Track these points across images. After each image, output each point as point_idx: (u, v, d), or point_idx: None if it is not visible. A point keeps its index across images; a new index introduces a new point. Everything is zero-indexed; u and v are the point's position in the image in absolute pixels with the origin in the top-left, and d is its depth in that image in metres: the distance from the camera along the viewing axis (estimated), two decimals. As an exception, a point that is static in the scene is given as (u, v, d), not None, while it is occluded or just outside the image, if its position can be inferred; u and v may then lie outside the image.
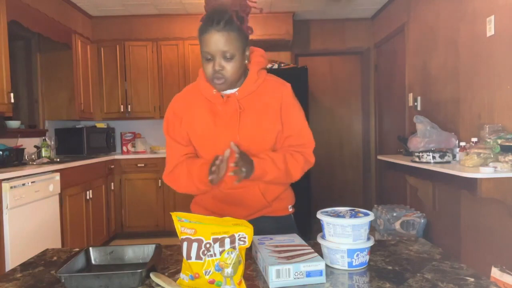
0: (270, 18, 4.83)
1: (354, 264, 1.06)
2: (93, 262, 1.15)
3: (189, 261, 0.95)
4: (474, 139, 2.66)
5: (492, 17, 2.67)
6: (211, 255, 0.94)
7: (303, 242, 1.15)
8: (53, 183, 3.27)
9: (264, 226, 1.42)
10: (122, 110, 5.01)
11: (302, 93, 4.21)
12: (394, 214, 3.58)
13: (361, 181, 5.66)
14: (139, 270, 0.98)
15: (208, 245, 0.94)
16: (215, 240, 0.94)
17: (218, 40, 1.26)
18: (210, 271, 0.93)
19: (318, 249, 1.11)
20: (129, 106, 5.01)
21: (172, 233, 1.05)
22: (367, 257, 1.08)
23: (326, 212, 1.13)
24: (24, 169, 3.01)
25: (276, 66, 4.51)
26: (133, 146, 5.21)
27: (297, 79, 4.22)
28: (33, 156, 3.81)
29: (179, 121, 1.43)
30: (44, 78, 4.42)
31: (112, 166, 4.67)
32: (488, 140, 2.47)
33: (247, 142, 1.37)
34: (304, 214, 4.04)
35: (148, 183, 4.75)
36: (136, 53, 4.99)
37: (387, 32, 4.80)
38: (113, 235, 4.69)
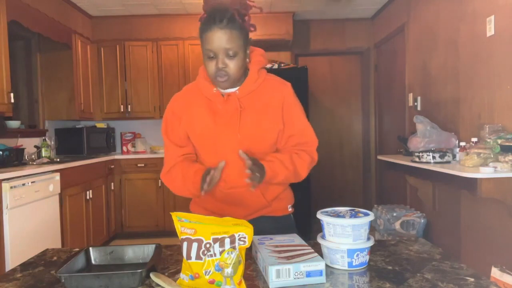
0: (270, 18, 4.83)
1: (354, 264, 1.06)
2: (93, 262, 1.15)
3: (189, 261, 0.95)
4: (474, 139, 2.66)
5: (492, 17, 2.67)
6: (211, 255, 0.94)
7: (303, 242, 1.15)
8: (53, 183, 3.27)
9: (264, 226, 1.42)
10: (122, 110, 5.01)
11: (302, 93, 4.21)
12: (394, 214, 3.58)
13: (361, 181, 5.66)
14: (139, 270, 0.98)
15: (208, 245, 0.94)
16: (215, 240, 0.94)
17: (221, 38, 1.26)
18: (210, 271, 0.93)
19: (318, 249, 1.11)
20: (129, 106, 5.01)
21: (172, 233, 1.05)
22: (367, 257, 1.08)
23: (326, 212, 1.13)
24: (24, 169, 3.01)
25: (276, 66, 4.51)
26: (133, 146, 5.21)
27: (297, 79, 4.22)
28: (33, 156, 3.81)
29: (178, 120, 1.43)
30: (44, 78, 4.42)
31: (112, 166, 4.67)
32: (488, 140, 2.46)
33: (247, 141, 1.37)
34: (304, 214, 4.04)
35: (148, 183, 4.75)
36: (136, 53, 4.99)
37: (387, 32, 4.80)
38: (113, 235, 4.69)
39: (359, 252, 1.05)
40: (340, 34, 5.40)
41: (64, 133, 4.52)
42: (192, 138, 1.43)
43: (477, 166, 2.38)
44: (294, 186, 1.55)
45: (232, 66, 1.30)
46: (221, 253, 0.93)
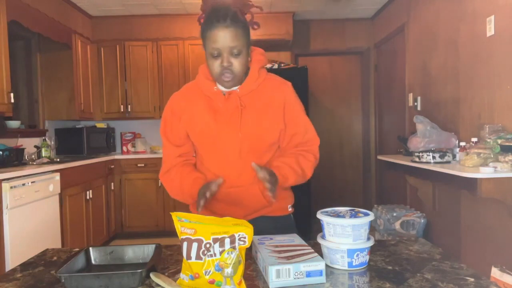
0: (270, 18, 4.83)
1: (354, 264, 1.06)
2: (93, 262, 1.15)
3: (189, 261, 0.95)
4: (474, 139, 2.66)
5: (492, 17, 2.67)
6: (211, 255, 0.94)
7: (303, 242, 1.15)
8: (53, 183, 3.27)
9: (264, 226, 1.41)
10: (122, 110, 5.01)
11: (302, 93, 4.19)
12: (394, 214, 3.58)
13: (361, 181, 5.66)
14: (139, 270, 0.98)
15: (208, 245, 0.94)
16: (215, 240, 0.94)
17: (225, 36, 1.26)
18: (210, 271, 0.93)
19: (318, 249, 1.11)
20: (129, 106, 5.01)
21: (172, 233, 1.05)
22: (367, 257, 1.08)
23: (326, 212, 1.13)
24: (24, 169, 3.01)
25: (276, 66, 4.51)
26: (133, 146, 5.21)
27: (297, 79, 4.22)
28: (33, 156, 3.81)
29: (177, 119, 1.43)
30: (44, 78, 4.42)
31: (112, 166, 4.67)
32: (488, 140, 2.46)
33: (248, 139, 1.37)
34: (304, 214, 4.04)
35: (148, 183, 4.75)
36: (136, 53, 4.99)
37: (387, 32, 4.80)
38: (113, 235, 4.69)
39: (359, 252, 1.05)
40: (340, 34, 5.40)
41: (64, 133, 4.52)
42: (192, 136, 1.43)
43: (477, 166, 2.38)
44: (294, 186, 1.55)
45: (237, 64, 1.30)
46: (221, 253, 0.93)
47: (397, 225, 3.55)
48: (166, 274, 1.07)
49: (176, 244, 1.24)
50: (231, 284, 0.92)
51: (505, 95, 2.58)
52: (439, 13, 3.48)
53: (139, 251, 1.17)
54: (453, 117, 3.24)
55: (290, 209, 1.54)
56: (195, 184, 1.38)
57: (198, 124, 1.40)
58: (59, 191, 3.38)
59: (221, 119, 1.38)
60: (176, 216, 0.98)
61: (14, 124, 3.79)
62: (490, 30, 2.69)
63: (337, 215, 1.09)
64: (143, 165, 4.76)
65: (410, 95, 4.14)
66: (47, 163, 3.61)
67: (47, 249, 1.34)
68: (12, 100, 3.21)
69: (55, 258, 1.24)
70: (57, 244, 3.32)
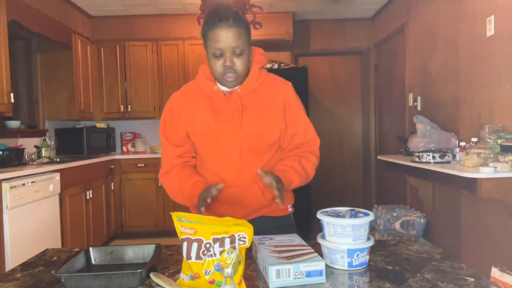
0: (270, 18, 4.83)
1: (354, 264, 1.06)
2: (93, 262, 1.15)
3: (189, 261, 0.95)
4: (474, 139, 2.66)
5: (492, 17, 2.67)
6: (211, 255, 0.94)
7: (303, 242, 1.15)
8: (53, 183, 3.26)
9: (264, 226, 1.41)
10: (122, 110, 5.01)
11: (302, 93, 4.19)
12: (394, 214, 3.58)
13: (361, 181, 5.66)
14: (139, 270, 0.98)
15: (208, 245, 0.94)
16: (215, 240, 0.94)
17: (228, 36, 1.26)
18: (210, 271, 0.93)
19: (318, 249, 1.11)
20: (129, 106, 5.01)
21: (172, 233, 1.05)
22: (367, 257, 1.08)
23: (326, 212, 1.13)
24: (24, 169, 3.01)
25: (276, 66, 4.51)
26: (133, 146, 5.22)
27: (297, 79, 4.21)
28: (33, 156, 3.81)
29: (177, 119, 1.43)
30: (44, 78, 4.42)
31: (112, 166, 4.67)
32: (488, 140, 2.46)
33: (249, 139, 1.37)
34: (304, 214, 4.04)
35: (148, 183, 4.75)
36: (136, 53, 4.99)
37: (387, 32, 4.80)
38: (113, 235, 4.69)
39: (359, 252, 1.05)
40: (340, 34, 5.40)
41: (64, 133, 4.52)
42: (192, 136, 1.43)
43: (477, 166, 2.38)
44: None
45: (240, 64, 1.30)
46: (221, 253, 0.93)
47: (397, 225, 3.55)
48: (166, 274, 1.07)
49: (176, 244, 1.24)
50: (231, 284, 0.92)
51: (505, 95, 2.58)
52: (439, 13, 3.48)
53: (139, 251, 1.17)
54: (453, 117, 3.24)
55: (290, 209, 1.54)
56: (195, 187, 1.37)
57: (198, 124, 1.40)
58: (59, 191, 3.38)
59: (222, 119, 1.37)
60: (176, 216, 0.98)
61: (14, 124, 3.79)
62: (490, 30, 2.69)
63: (337, 215, 1.09)
64: (143, 165, 4.76)
65: (410, 95, 4.14)
66: (47, 163, 3.61)
67: (47, 249, 1.34)
68: (12, 100, 3.21)
69: (55, 258, 1.24)
70: (57, 244, 3.32)
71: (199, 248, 0.94)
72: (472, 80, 2.96)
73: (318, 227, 1.15)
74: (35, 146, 3.95)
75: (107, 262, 1.16)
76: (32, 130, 4.13)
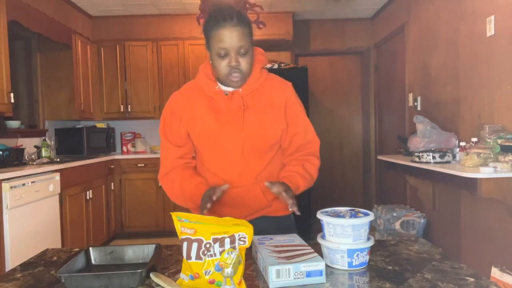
0: (270, 18, 4.83)
1: (354, 264, 1.06)
2: (93, 262, 1.15)
3: (189, 261, 0.95)
4: (474, 139, 2.66)
5: (492, 17, 2.67)
6: (211, 255, 0.94)
7: (303, 242, 1.15)
8: (53, 183, 3.26)
9: (265, 226, 1.41)
10: (122, 110, 5.01)
11: (302, 93, 4.20)
12: (394, 214, 3.58)
13: (361, 181, 5.66)
14: (139, 270, 0.98)
15: (208, 245, 0.94)
16: (215, 240, 0.94)
17: (233, 36, 1.25)
18: (210, 271, 0.93)
19: (318, 249, 1.11)
20: (129, 106, 5.01)
21: (172, 233, 1.05)
22: (367, 257, 1.08)
23: (326, 212, 1.13)
24: (24, 169, 3.01)
25: (276, 66, 4.51)
26: (133, 146, 5.22)
27: (297, 79, 4.21)
28: (33, 156, 3.81)
29: (177, 119, 1.41)
30: (44, 78, 4.42)
31: (112, 166, 4.67)
32: (488, 140, 2.46)
33: (251, 139, 1.37)
34: (304, 214, 4.03)
35: (148, 183, 4.75)
36: (136, 53, 4.99)
37: (387, 32, 4.80)
38: (113, 235, 4.69)
39: (359, 252, 1.05)
40: (340, 34, 5.40)
41: (64, 133, 4.52)
42: (193, 136, 1.42)
43: (477, 166, 2.38)
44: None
45: (244, 63, 1.30)
46: (221, 253, 0.93)
47: (397, 225, 3.55)
48: (166, 274, 1.07)
49: (176, 244, 1.24)
50: (231, 284, 0.92)
51: (505, 95, 2.58)
52: (439, 13, 3.48)
53: (139, 251, 1.17)
54: (453, 117, 3.24)
55: (290, 209, 1.54)
56: (197, 189, 1.36)
57: (198, 124, 1.39)
58: (59, 191, 3.38)
59: (223, 119, 1.37)
60: (176, 216, 0.98)
61: (14, 124, 3.79)
62: (490, 30, 2.69)
63: (337, 215, 1.09)
64: (143, 165, 4.76)
65: (410, 95, 4.14)
66: (47, 163, 3.61)
67: (47, 249, 1.34)
68: (12, 100, 3.21)
69: (55, 258, 1.24)
70: (57, 244, 3.32)
71: (199, 248, 0.94)
72: (472, 80, 2.96)
73: (318, 227, 1.15)
74: (35, 146, 3.95)
75: (107, 262, 1.16)
76: (32, 130, 4.13)
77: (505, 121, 2.58)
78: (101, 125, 5.00)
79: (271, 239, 1.18)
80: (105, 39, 5.01)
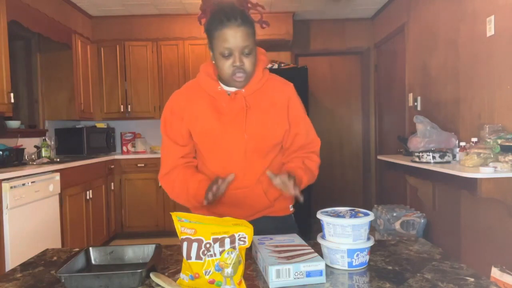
0: (270, 18, 4.76)
1: (354, 264, 1.06)
2: (93, 262, 1.15)
3: (189, 261, 0.95)
4: (474, 139, 2.66)
5: (492, 17, 2.67)
6: (211, 255, 0.94)
7: (303, 242, 1.15)
8: (53, 183, 3.26)
9: (266, 226, 1.41)
10: (122, 110, 5.01)
11: (302, 93, 4.18)
12: (394, 214, 3.58)
13: (361, 181, 5.66)
14: (139, 270, 0.98)
15: (208, 245, 0.94)
16: (215, 240, 0.94)
17: (237, 36, 1.25)
18: (210, 271, 0.93)
19: (318, 249, 1.11)
20: (129, 106, 5.01)
21: (172, 233, 1.05)
22: (367, 257, 1.08)
23: (326, 212, 1.13)
24: (24, 169, 3.01)
25: (276, 66, 4.51)
26: (133, 146, 5.21)
27: (297, 79, 4.19)
28: (33, 156, 3.81)
29: (178, 118, 1.40)
30: (44, 78, 4.42)
31: (112, 166, 4.67)
32: (488, 140, 2.46)
33: (254, 140, 1.36)
34: (304, 214, 4.03)
35: (148, 183, 4.75)
36: (136, 53, 4.99)
37: (387, 32, 4.80)
38: (113, 235, 4.69)
39: (359, 252, 1.05)
40: (340, 34, 5.40)
41: (64, 133, 4.52)
42: (195, 136, 1.40)
43: (477, 166, 2.38)
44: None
45: (248, 63, 1.29)
46: (221, 253, 0.93)
47: (397, 225, 3.55)
48: (166, 274, 1.07)
49: (176, 244, 1.24)
50: (231, 284, 0.92)
51: (505, 95, 2.58)
52: (439, 13, 3.48)
53: (139, 251, 1.17)
54: (453, 117, 3.24)
55: (291, 209, 1.54)
56: (200, 186, 1.34)
57: (200, 124, 1.37)
58: (59, 191, 3.38)
59: (225, 119, 1.35)
60: (176, 216, 0.98)
61: (14, 124, 3.79)
62: (490, 30, 2.69)
63: (337, 215, 1.09)
64: (143, 165, 4.76)
65: (410, 95, 4.14)
66: (47, 163, 3.61)
67: (47, 249, 1.34)
68: (12, 100, 3.21)
69: (55, 258, 1.24)
70: (57, 244, 3.32)
71: (199, 248, 0.94)
72: (472, 80, 2.96)
73: (318, 227, 1.15)
74: (35, 146, 3.95)
75: (107, 262, 1.16)
76: (32, 130, 4.13)
77: (505, 121, 2.58)
78: (101, 125, 5.00)
79: (271, 239, 1.18)
80: (105, 39, 5.01)
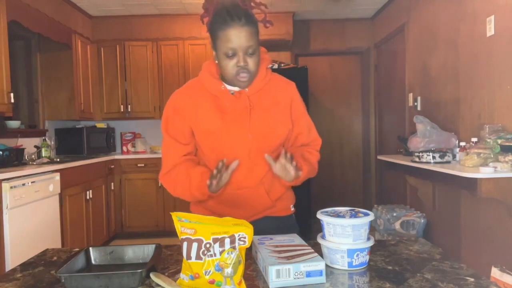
0: (270, 18, 4.81)
1: (354, 264, 1.06)
2: (93, 262, 1.15)
3: (189, 261, 0.95)
4: (474, 139, 2.66)
5: (492, 17, 2.67)
6: (211, 255, 0.94)
7: (303, 242, 1.15)
8: (53, 183, 3.26)
9: (267, 226, 1.40)
10: (122, 110, 5.01)
11: (302, 93, 4.17)
12: (394, 214, 3.58)
13: (361, 181, 5.66)
14: (139, 270, 0.98)
15: (208, 245, 0.94)
16: (215, 240, 0.94)
17: (241, 36, 1.24)
18: (210, 271, 0.93)
19: (318, 249, 1.11)
20: (129, 106, 5.01)
21: (172, 233, 1.05)
22: (367, 257, 1.08)
23: (326, 212, 1.13)
24: (24, 169, 3.01)
25: (276, 66, 4.51)
26: (133, 146, 5.22)
27: (297, 79, 4.19)
28: (33, 156, 3.81)
29: (180, 117, 1.38)
30: (44, 78, 4.42)
31: (112, 166, 4.67)
32: (488, 140, 2.46)
33: (258, 139, 1.35)
34: (304, 214, 4.04)
35: (148, 183, 4.75)
36: (136, 53, 4.99)
37: (387, 32, 4.80)
38: (113, 235, 4.69)
39: (359, 252, 1.05)
40: (340, 34, 5.40)
41: (64, 133, 4.52)
42: (197, 135, 1.38)
43: (477, 166, 2.38)
44: (294, 186, 1.55)
45: (252, 63, 1.28)
46: (221, 253, 0.93)
47: (397, 225, 3.55)
48: (166, 274, 1.07)
49: (176, 244, 1.24)
50: (231, 284, 0.92)
51: (505, 95, 2.58)
52: (439, 13, 3.48)
53: (139, 251, 1.17)
54: (453, 117, 3.24)
55: (292, 209, 1.54)
56: (203, 177, 1.30)
57: (203, 123, 1.36)
58: (59, 191, 3.38)
59: (229, 119, 1.34)
60: (176, 216, 0.98)
61: (14, 124, 3.79)
62: (490, 30, 2.69)
63: (337, 215, 1.09)
64: (143, 165, 4.76)
65: (410, 95, 4.14)
66: (47, 163, 3.61)
67: (47, 249, 1.34)
68: (12, 100, 3.21)
69: (55, 258, 1.24)
70: (57, 244, 3.32)
71: (199, 248, 0.94)
72: (472, 80, 2.96)
73: (318, 227, 1.15)
74: (35, 146, 3.95)
75: (107, 262, 1.16)
76: (32, 130, 4.13)
77: (505, 121, 2.58)
78: (101, 125, 5.00)
79: (271, 239, 1.18)
80: (105, 39, 5.02)
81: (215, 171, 1.23)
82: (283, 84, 1.44)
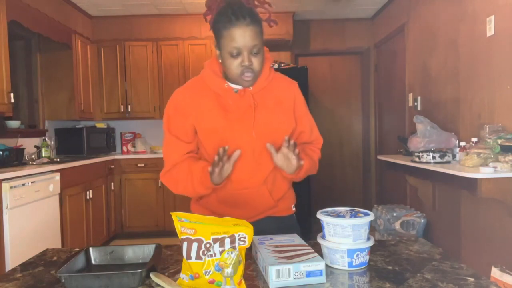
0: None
1: (354, 264, 1.05)
2: (93, 262, 1.15)
3: (189, 261, 0.95)
4: (474, 139, 2.66)
5: (492, 17, 2.67)
6: (211, 255, 0.94)
7: (303, 242, 1.15)
8: (53, 183, 3.26)
9: (269, 226, 1.40)
10: (122, 110, 5.01)
11: (303, 93, 4.20)
12: (394, 214, 3.58)
13: (361, 181, 5.66)
14: (139, 270, 0.98)
15: (208, 245, 0.94)
16: (215, 240, 0.94)
17: (246, 35, 1.23)
18: (210, 271, 0.93)
19: (318, 249, 1.11)
20: (129, 106, 5.01)
21: (172, 233, 1.05)
22: (367, 257, 1.08)
23: (326, 212, 1.13)
24: (24, 169, 3.01)
25: (276, 66, 4.51)
26: (133, 146, 5.21)
27: (297, 79, 4.19)
28: (33, 156, 3.81)
29: (182, 116, 1.37)
30: (44, 78, 4.42)
31: (112, 166, 4.67)
32: (488, 140, 2.46)
33: (262, 138, 1.34)
34: (304, 214, 4.04)
35: (148, 183, 4.75)
36: (136, 53, 4.99)
37: (387, 32, 4.80)
38: (113, 235, 4.69)
39: (359, 252, 1.05)
40: (340, 34, 5.40)
41: (64, 133, 4.52)
42: (200, 133, 1.37)
43: (477, 166, 2.38)
44: (294, 186, 1.55)
45: (257, 63, 1.28)
46: (221, 253, 0.93)
47: (397, 225, 3.55)
48: (166, 274, 1.07)
49: (176, 244, 1.24)
50: (231, 284, 0.92)
51: (505, 95, 2.58)
52: (439, 13, 3.48)
53: (139, 251, 1.17)
54: (453, 117, 3.24)
55: (293, 209, 1.54)
56: (205, 170, 1.29)
57: (206, 122, 1.34)
58: (59, 191, 3.38)
59: (232, 117, 1.33)
60: (176, 216, 0.98)
61: (14, 124, 3.79)
62: (490, 30, 2.69)
63: (337, 215, 1.09)
64: (143, 165, 4.76)
65: (410, 95, 4.14)
66: (47, 163, 3.61)
67: (47, 249, 1.34)
68: (12, 100, 3.21)
69: (55, 258, 1.24)
70: (57, 244, 3.32)
71: (199, 248, 0.94)
72: (472, 80, 2.96)
73: (318, 227, 1.15)
74: (35, 146, 3.95)
75: (107, 262, 1.16)
76: (32, 130, 4.13)
77: (505, 121, 2.58)
78: (101, 125, 5.00)
79: (271, 239, 1.17)
80: (105, 39, 5.02)
81: (216, 158, 1.23)
82: (286, 83, 1.44)
